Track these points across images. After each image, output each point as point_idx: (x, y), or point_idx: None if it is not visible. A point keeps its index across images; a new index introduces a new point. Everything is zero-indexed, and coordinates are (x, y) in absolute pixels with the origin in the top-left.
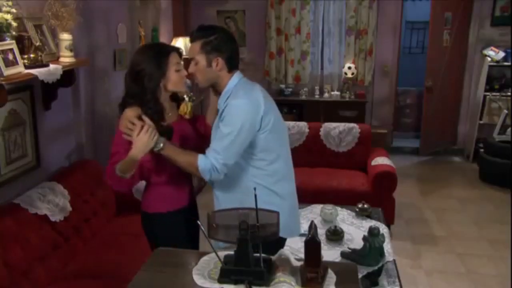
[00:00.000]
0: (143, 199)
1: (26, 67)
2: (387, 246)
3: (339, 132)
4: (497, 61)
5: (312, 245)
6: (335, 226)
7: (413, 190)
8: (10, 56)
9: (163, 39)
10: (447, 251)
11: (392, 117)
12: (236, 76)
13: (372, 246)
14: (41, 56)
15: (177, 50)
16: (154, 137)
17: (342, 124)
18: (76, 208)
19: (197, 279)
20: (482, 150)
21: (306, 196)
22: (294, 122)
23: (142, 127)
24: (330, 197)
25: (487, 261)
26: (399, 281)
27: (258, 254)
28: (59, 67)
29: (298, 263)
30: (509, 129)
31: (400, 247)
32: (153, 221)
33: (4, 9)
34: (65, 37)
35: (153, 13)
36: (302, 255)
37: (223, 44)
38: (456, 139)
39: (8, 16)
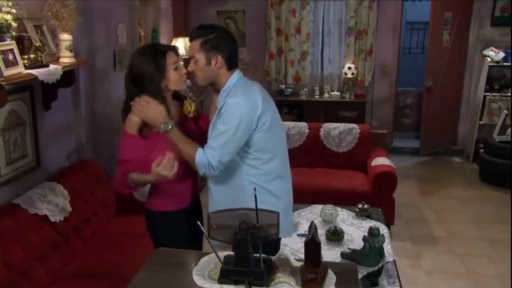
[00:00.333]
0: (148, 198)
1: (26, 67)
2: (387, 247)
3: (339, 133)
4: (497, 62)
5: (312, 246)
6: (335, 227)
7: (413, 190)
8: (10, 57)
9: (163, 39)
10: (447, 251)
11: (392, 117)
12: (236, 75)
13: (372, 247)
14: (41, 56)
15: (173, 49)
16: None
17: (342, 124)
18: (76, 208)
19: (197, 280)
20: (482, 150)
21: (306, 196)
22: (294, 123)
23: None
24: (330, 197)
25: (487, 261)
26: (399, 281)
27: (258, 255)
28: (59, 67)
29: (298, 264)
30: (509, 130)
31: (400, 247)
32: (159, 219)
33: (4, 9)
34: (65, 38)
35: (153, 13)
36: (302, 256)
37: (223, 42)
38: (456, 139)
39: (8, 17)
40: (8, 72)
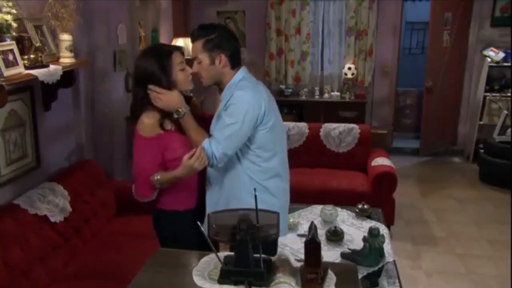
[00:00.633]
0: (159, 198)
1: (26, 67)
2: (387, 247)
3: (339, 133)
4: (497, 62)
5: (312, 246)
6: (335, 227)
7: (413, 190)
8: (10, 57)
9: (163, 39)
10: (447, 252)
11: (392, 117)
12: (242, 71)
13: (372, 247)
14: (41, 56)
15: (178, 49)
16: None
17: (342, 124)
18: (76, 208)
19: (197, 280)
20: (482, 150)
21: (306, 197)
22: (294, 123)
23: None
24: (330, 197)
25: (487, 261)
26: (399, 281)
27: (258, 255)
28: (59, 67)
29: (298, 264)
30: (509, 130)
31: (400, 247)
32: (169, 219)
33: (4, 9)
34: (65, 38)
35: (153, 13)
36: (302, 256)
37: (225, 41)
38: (456, 139)
39: (8, 17)
40: (8, 72)
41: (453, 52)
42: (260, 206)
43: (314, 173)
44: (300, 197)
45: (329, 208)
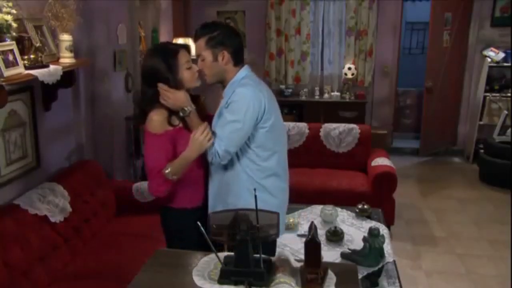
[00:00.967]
0: (166, 197)
1: (26, 68)
2: (387, 247)
3: (339, 133)
4: (497, 62)
5: (312, 246)
6: (335, 227)
7: (413, 190)
8: (10, 57)
9: (163, 39)
10: (447, 252)
11: (392, 117)
12: (245, 69)
13: (372, 247)
14: (41, 57)
15: (184, 47)
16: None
17: (342, 124)
18: (76, 208)
19: (197, 280)
20: (482, 150)
21: (306, 197)
22: (294, 123)
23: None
24: (330, 197)
25: (487, 261)
26: (399, 282)
27: (258, 255)
28: (59, 67)
29: (298, 264)
30: (509, 130)
31: (400, 247)
32: (176, 216)
33: (4, 10)
34: (65, 38)
35: (153, 13)
36: (302, 256)
37: (227, 38)
38: (456, 139)
39: (8, 17)
40: (8, 72)
41: (453, 52)
42: (259, 204)
43: (314, 173)
44: (300, 197)
45: (329, 208)
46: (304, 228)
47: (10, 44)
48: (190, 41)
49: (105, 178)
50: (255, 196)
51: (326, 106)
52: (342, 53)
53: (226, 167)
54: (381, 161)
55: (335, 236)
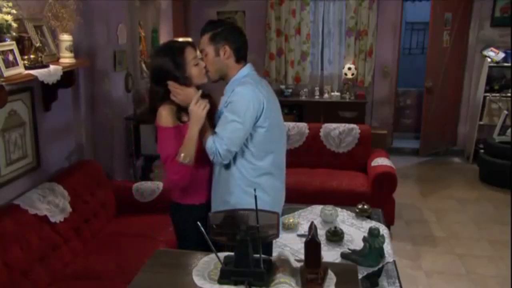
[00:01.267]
0: (174, 192)
1: (26, 68)
2: (387, 247)
3: (339, 133)
4: (497, 62)
5: (312, 246)
6: (335, 227)
7: (413, 191)
8: (10, 57)
9: (163, 40)
10: (447, 252)
11: (392, 117)
12: (247, 68)
13: (372, 247)
14: (41, 57)
15: (190, 44)
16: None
17: (342, 124)
18: (76, 208)
19: (197, 280)
20: (482, 151)
21: (306, 197)
22: (294, 123)
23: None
24: (330, 197)
25: (487, 261)
26: (399, 282)
27: (258, 255)
28: (59, 68)
29: (298, 264)
30: (509, 130)
31: (400, 248)
32: (185, 212)
33: (4, 10)
34: (65, 38)
35: (153, 13)
36: (302, 256)
37: (230, 34)
38: (456, 139)
39: (8, 17)
40: (8, 72)
41: (453, 52)
42: (250, 202)
43: (314, 173)
44: (300, 197)
45: (329, 208)
46: (304, 228)
47: (10, 44)
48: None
49: (105, 178)
50: (255, 197)
51: (326, 106)
52: (342, 53)
53: (223, 165)
54: (381, 161)
55: (335, 236)
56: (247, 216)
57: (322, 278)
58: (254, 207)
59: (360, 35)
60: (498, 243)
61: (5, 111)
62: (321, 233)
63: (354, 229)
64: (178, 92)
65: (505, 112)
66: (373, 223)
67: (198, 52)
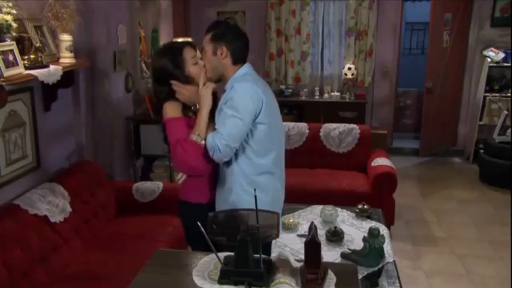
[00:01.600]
0: (184, 191)
1: (26, 68)
2: (387, 247)
3: (339, 133)
4: (497, 62)
5: (312, 246)
6: (335, 227)
7: (413, 191)
8: (10, 57)
9: (163, 40)
10: (447, 252)
11: (392, 118)
12: (246, 67)
13: (372, 247)
14: (41, 57)
15: (189, 44)
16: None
17: (342, 125)
18: (76, 209)
19: (197, 280)
20: (482, 151)
21: (306, 197)
22: (294, 123)
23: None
24: (330, 198)
25: (487, 262)
26: (399, 282)
27: (258, 255)
28: (59, 68)
29: (298, 264)
30: (509, 130)
31: (400, 248)
32: (194, 210)
33: (4, 10)
34: (65, 38)
35: (153, 13)
36: (302, 256)
37: (229, 35)
38: (456, 140)
39: (8, 17)
40: (8, 72)
41: (453, 52)
42: (249, 201)
43: (314, 173)
44: (300, 197)
45: (329, 208)
46: (304, 228)
47: (10, 44)
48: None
49: (105, 178)
50: (255, 197)
51: (326, 106)
52: (342, 53)
53: (225, 162)
54: (381, 161)
55: (335, 236)
56: (247, 216)
57: (322, 278)
58: (253, 206)
59: (360, 35)
60: (498, 243)
61: (5, 111)
62: (321, 233)
63: (354, 229)
64: (182, 91)
65: (505, 112)
66: (373, 223)
67: (198, 52)
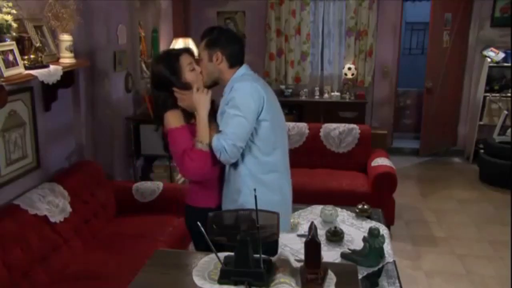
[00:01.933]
0: (191, 196)
1: (26, 68)
2: (387, 247)
3: (339, 133)
4: (497, 62)
5: (312, 246)
6: (335, 227)
7: (413, 191)
8: (10, 57)
9: (163, 40)
10: (447, 252)
11: (392, 118)
12: (243, 68)
13: (372, 247)
14: (41, 57)
15: (186, 51)
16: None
17: (342, 125)
18: (76, 209)
19: (197, 280)
20: (482, 151)
21: (306, 197)
22: (294, 123)
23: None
24: (330, 198)
25: (487, 262)
26: (399, 282)
27: (258, 255)
28: (59, 68)
29: (298, 264)
30: (509, 130)
31: (400, 248)
32: (199, 215)
33: (4, 10)
34: (65, 38)
35: (153, 14)
36: (302, 256)
37: (224, 40)
38: (456, 140)
39: (8, 17)
40: (8, 72)
41: (453, 52)
42: (259, 201)
43: (314, 173)
44: (300, 197)
45: (329, 208)
46: (304, 228)
47: (10, 44)
48: (190, 42)
49: (105, 178)
50: (255, 197)
51: (326, 106)
52: (342, 53)
53: (232, 163)
54: (381, 161)
55: (335, 236)
56: (247, 216)
57: (322, 278)
58: (262, 207)
59: (360, 35)
60: (498, 243)
61: (5, 111)
62: (321, 233)
63: (354, 229)
64: (183, 97)
65: (505, 112)
66: (373, 223)
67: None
